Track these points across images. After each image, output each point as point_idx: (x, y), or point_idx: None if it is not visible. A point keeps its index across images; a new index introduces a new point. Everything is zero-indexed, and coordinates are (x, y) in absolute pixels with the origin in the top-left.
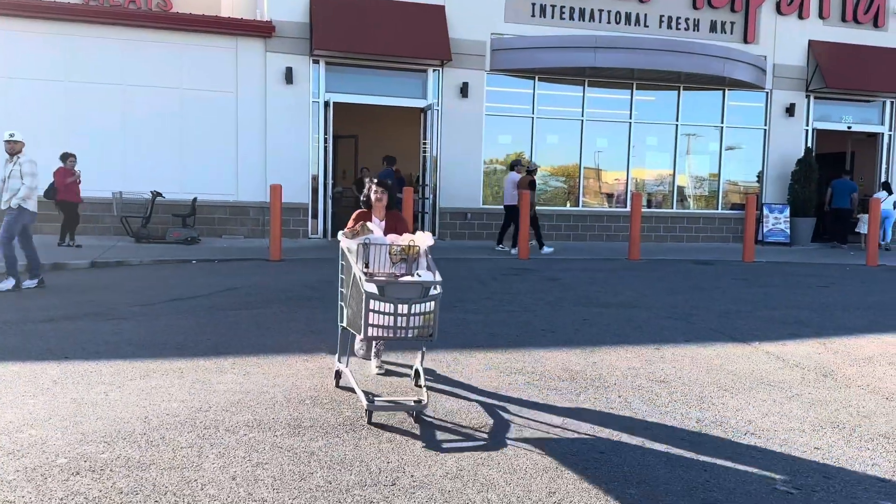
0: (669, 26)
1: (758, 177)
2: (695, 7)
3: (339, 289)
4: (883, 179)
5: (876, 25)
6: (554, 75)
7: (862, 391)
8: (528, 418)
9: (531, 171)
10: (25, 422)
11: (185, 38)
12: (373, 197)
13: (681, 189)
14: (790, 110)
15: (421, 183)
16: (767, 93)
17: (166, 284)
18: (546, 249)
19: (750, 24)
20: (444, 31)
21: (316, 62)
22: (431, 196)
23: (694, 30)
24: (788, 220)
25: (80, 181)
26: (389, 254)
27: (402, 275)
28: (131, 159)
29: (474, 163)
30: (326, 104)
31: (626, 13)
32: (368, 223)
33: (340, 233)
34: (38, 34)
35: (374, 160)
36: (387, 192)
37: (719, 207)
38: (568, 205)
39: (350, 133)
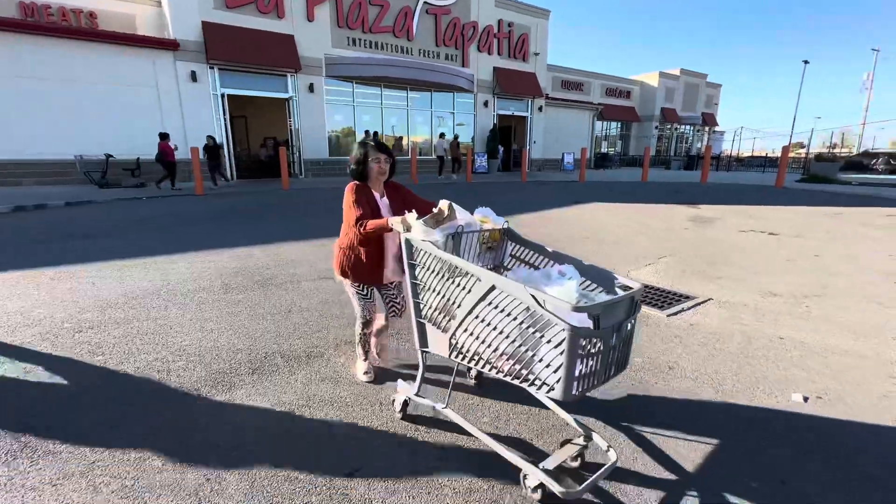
0: (425, 55)
1: (472, 139)
2: (436, 45)
3: (413, 299)
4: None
5: (524, 60)
6: (364, 81)
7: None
8: None
9: (456, 137)
10: (34, 305)
11: (112, 49)
12: (373, 168)
13: (435, 147)
14: (486, 104)
15: (291, 145)
16: (474, 94)
17: (126, 214)
18: (454, 177)
19: (465, 56)
20: (294, 51)
21: (212, 67)
22: (298, 152)
23: (436, 58)
24: (486, 160)
25: (176, 149)
26: (479, 242)
27: (492, 269)
28: (87, 132)
29: (321, 132)
30: (222, 96)
31: (402, 46)
32: (450, 202)
33: (418, 221)
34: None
35: (257, 133)
36: (392, 160)
37: None
38: None
39: (241, 114)
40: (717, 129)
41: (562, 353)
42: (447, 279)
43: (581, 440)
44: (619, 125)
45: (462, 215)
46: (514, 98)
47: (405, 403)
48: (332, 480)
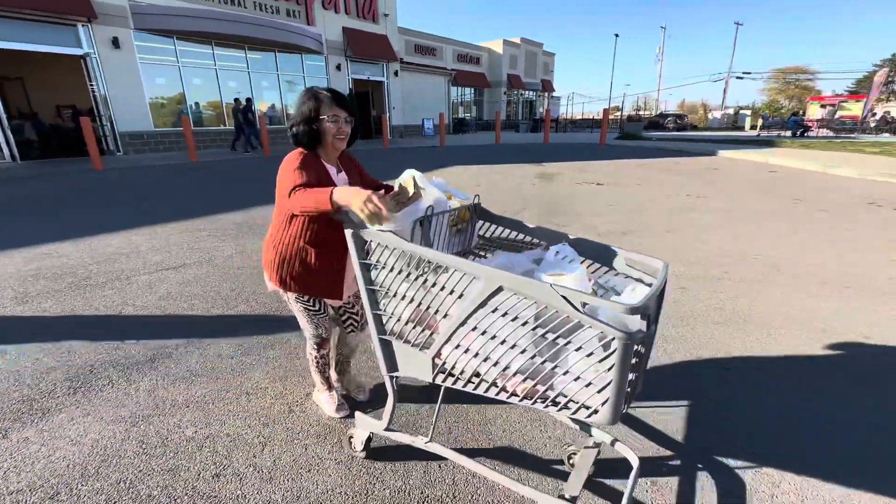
0: (261, 9)
1: None
2: None
3: (372, 312)
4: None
5: (374, 21)
6: (189, 36)
7: None
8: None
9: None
10: None
11: None
12: (329, 129)
13: (289, 114)
14: (339, 67)
15: (97, 114)
16: (325, 57)
17: None
18: None
19: (309, 12)
20: None
21: None
22: (110, 124)
23: (276, 13)
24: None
25: None
26: (449, 224)
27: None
28: None
29: (139, 99)
30: None
31: None
32: (415, 173)
33: (373, 198)
34: None
35: (46, 101)
36: (353, 119)
37: None
38: (221, 126)
39: (15, 76)
40: (554, 94)
41: (609, 369)
42: (422, 281)
43: (591, 444)
44: (473, 91)
45: (429, 190)
46: (369, 62)
47: (369, 439)
48: (195, 486)
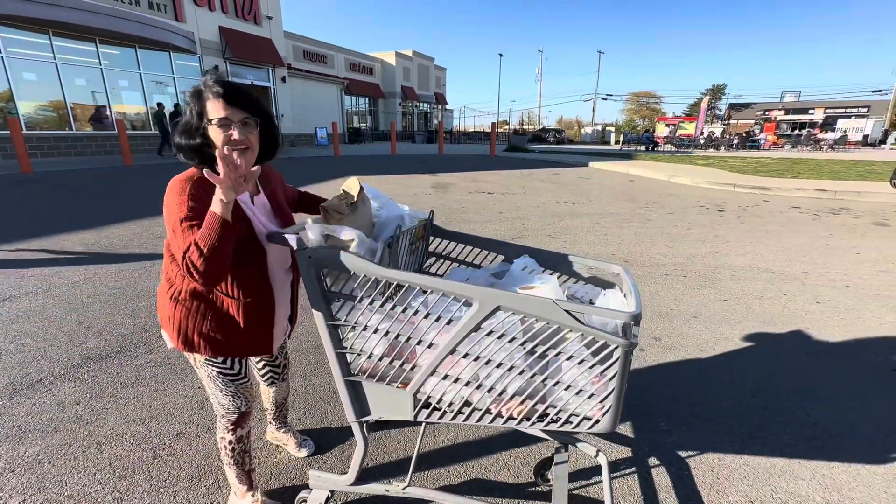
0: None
1: None
2: None
3: (335, 351)
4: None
5: (256, 23)
6: (15, 22)
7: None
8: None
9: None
10: None
11: None
12: (218, 136)
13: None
14: (216, 69)
15: None
16: (199, 57)
17: None
18: None
19: (178, 7)
20: None
21: None
22: None
23: (136, 4)
24: None
25: None
26: (409, 243)
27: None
28: None
29: None
30: None
31: None
32: (356, 182)
33: (316, 225)
34: None
35: None
36: (259, 122)
37: None
38: (66, 130)
39: None
40: (447, 107)
41: (612, 378)
42: (400, 309)
43: (563, 454)
44: (367, 101)
45: (393, 207)
46: (252, 65)
47: (328, 499)
48: None
